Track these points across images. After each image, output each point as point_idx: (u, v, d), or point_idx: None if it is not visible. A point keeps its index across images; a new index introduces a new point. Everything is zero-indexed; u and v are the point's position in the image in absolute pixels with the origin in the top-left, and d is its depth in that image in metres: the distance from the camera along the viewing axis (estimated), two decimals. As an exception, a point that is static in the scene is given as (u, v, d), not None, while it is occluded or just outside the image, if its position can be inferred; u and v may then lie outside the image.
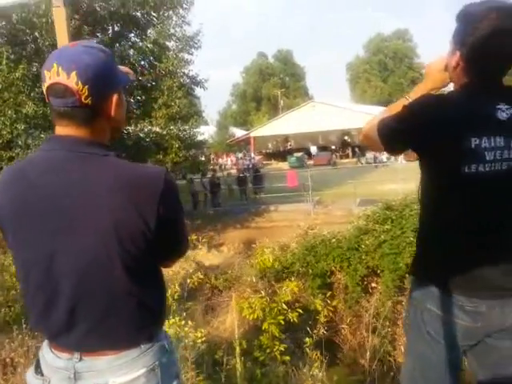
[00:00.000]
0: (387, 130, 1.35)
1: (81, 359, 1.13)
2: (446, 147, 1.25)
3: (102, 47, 1.14)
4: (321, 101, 34.44)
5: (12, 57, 8.91)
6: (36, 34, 9.93)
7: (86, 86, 1.05)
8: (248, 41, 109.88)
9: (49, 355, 1.18)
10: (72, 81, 1.04)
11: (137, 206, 1.07)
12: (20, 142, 8.98)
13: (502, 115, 1.26)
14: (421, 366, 1.50)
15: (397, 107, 1.39)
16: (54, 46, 10.42)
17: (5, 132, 9.06)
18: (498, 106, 1.27)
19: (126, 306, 1.12)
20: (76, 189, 1.06)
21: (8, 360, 2.85)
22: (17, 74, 8.68)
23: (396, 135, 1.35)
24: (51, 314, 1.11)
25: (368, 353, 5.12)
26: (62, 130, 1.11)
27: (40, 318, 1.16)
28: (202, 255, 12.23)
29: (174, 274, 9.27)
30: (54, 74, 1.05)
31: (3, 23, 10.14)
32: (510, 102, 1.28)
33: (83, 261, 1.08)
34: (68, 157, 1.09)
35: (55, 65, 1.05)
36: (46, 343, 1.21)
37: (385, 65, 54.76)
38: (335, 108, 31.38)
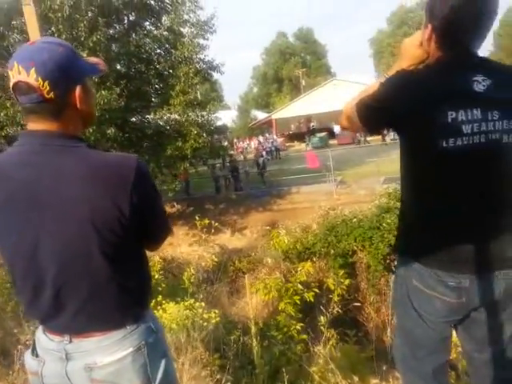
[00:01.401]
0: (365, 109, 1.34)
1: (70, 341, 1.18)
2: (422, 122, 1.23)
3: (61, 41, 1.16)
4: (342, 78, 33.65)
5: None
6: (53, 28, 10.11)
7: (47, 81, 1.08)
8: (268, 21, 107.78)
9: (43, 337, 1.24)
10: (32, 77, 1.07)
11: (110, 194, 1.10)
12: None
13: (479, 87, 1.22)
14: (410, 342, 1.51)
15: (375, 86, 1.36)
16: (72, 39, 10.63)
17: (28, 127, 9.37)
18: (475, 78, 1.23)
19: (109, 291, 1.17)
20: (51, 181, 1.10)
21: (28, 343, 3.03)
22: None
23: (373, 114, 1.33)
24: (39, 300, 1.17)
25: (389, 330, 5.08)
26: (33, 125, 1.15)
27: (29, 304, 1.21)
28: (227, 239, 12.40)
29: (200, 257, 9.50)
30: (16, 73, 1.08)
31: (22, 20, 10.36)
32: (486, 73, 1.24)
33: (64, 250, 1.12)
34: (40, 150, 1.12)
35: (15, 64, 1.08)
36: (40, 327, 1.27)
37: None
38: (358, 85, 30.44)
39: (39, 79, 1.07)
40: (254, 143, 33.46)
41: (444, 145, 1.21)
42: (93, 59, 1.23)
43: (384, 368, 2.99)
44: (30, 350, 1.29)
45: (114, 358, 1.17)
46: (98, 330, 1.18)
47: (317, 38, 56.63)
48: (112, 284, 1.16)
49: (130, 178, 1.12)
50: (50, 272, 1.13)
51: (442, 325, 1.42)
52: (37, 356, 1.24)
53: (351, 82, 31.50)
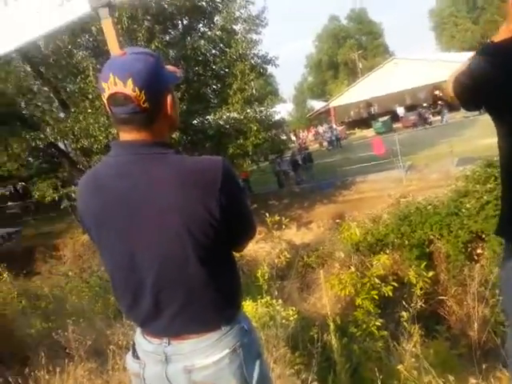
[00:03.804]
0: (458, 86, 1.24)
1: (169, 343, 1.21)
2: (506, 104, 1.14)
3: (149, 51, 1.18)
4: (403, 56, 31.95)
5: (98, 67, 9.68)
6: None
7: (143, 91, 1.10)
8: (319, 6, 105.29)
9: (142, 340, 1.28)
10: (129, 88, 1.09)
11: (200, 199, 1.11)
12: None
13: None
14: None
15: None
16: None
17: (101, 137, 9.98)
18: None
19: (204, 294, 1.19)
20: (143, 189, 1.13)
21: (120, 343, 3.22)
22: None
23: (465, 92, 1.24)
24: (138, 306, 1.21)
25: (476, 324, 4.73)
26: (125, 135, 1.18)
27: (129, 309, 1.26)
28: (293, 234, 12.34)
29: (267, 254, 9.54)
30: (112, 84, 1.10)
31: (86, 37, 11.05)
32: None
33: (160, 258, 1.15)
34: (134, 160, 1.15)
35: (111, 75, 1.10)
36: (138, 329, 1.31)
37: (473, 3, 48.52)
38: (420, 61, 28.80)
39: (136, 90, 1.09)
40: (310, 134, 32.94)
41: None
42: (170, 67, 1.24)
43: (484, 366, 2.73)
44: (130, 352, 1.33)
45: (211, 360, 1.18)
46: (195, 332, 1.20)
47: (371, 17, 54.29)
48: (207, 287, 1.18)
49: (218, 180, 1.12)
50: (148, 280, 1.17)
51: None
52: (137, 358, 1.28)
53: (413, 59, 29.85)
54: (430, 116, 25.64)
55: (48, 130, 11.12)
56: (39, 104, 12.65)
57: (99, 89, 1.14)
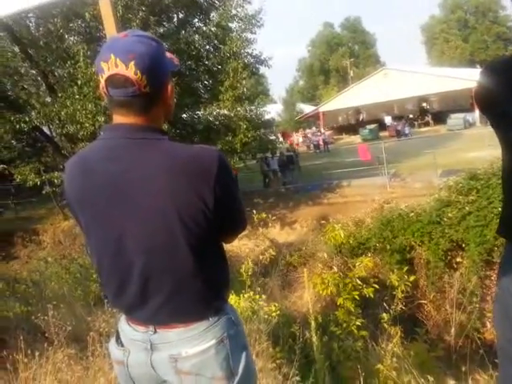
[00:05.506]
0: (474, 96, 1.33)
1: (155, 332, 1.19)
2: (493, 115, 1.24)
3: (151, 36, 1.16)
4: (393, 67, 32.43)
5: (88, 53, 9.52)
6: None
7: (145, 76, 1.07)
8: (314, 13, 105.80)
9: (126, 327, 1.25)
10: (131, 71, 1.06)
11: (195, 187, 1.09)
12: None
13: None
14: (503, 323, 1.38)
15: None
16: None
17: (87, 124, 9.79)
18: None
19: (193, 283, 1.16)
20: (136, 173, 1.10)
21: (101, 330, 3.17)
22: (93, 69, 9.25)
23: (477, 102, 1.33)
24: (125, 292, 1.18)
25: (453, 329, 4.83)
26: (120, 118, 1.14)
27: (115, 296, 1.23)
28: (276, 233, 12.38)
29: (251, 250, 9.55)
30: (113, 65, 1.07)
31: (79, 22, 10.85)
32: None
33: (150, 243, 1.12)
34: (125, 143, 1.12)
35: (112, 56, 1.07)
36: (123, 316, 1.29)
37: (465, 22, 49.71)
38: (410, 74, 29.30)
39: (138, 73, 1.06)
40: (295, 138, 32.79)
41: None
42: (168, 54, 1.21)
43: (463, 369, 2.79)
44: (113, 340, 1.30)
45: (197, 350, 1.17)
46: (182, 322, 1.18)
47: (365, 26, 54.97)
48: (195, 278, 1.16)
49: (213, 170, 1.11)
50: (135, 267, 1.14)
51: None
52: (122, 345, 1.26)
53: (402, 70, 30.33)
54: (406, 129, 26.16)
55: (33, 113, 10.86)
56: (26, 86, 12.35)
57: (97, 69, 1.10)
